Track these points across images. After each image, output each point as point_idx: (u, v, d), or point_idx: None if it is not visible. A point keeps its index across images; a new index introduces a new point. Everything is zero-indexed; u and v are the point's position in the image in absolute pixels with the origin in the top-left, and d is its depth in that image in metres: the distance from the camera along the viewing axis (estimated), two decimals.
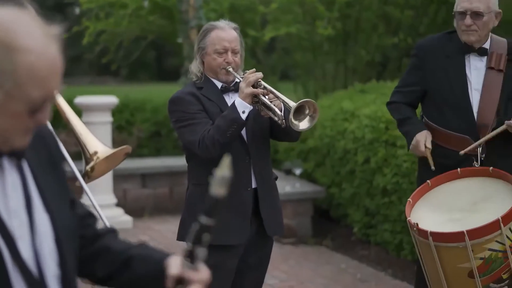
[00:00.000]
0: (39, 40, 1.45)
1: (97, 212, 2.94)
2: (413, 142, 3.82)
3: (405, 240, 5.56)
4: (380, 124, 5.87)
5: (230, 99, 3.47)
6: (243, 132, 3.41)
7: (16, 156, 1.56)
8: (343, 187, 6.40)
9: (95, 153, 2.99)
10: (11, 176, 1.56)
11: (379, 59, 9.42)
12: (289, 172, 7.04)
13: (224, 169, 1.50)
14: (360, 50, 8.98)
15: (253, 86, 3.33)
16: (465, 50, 3.84)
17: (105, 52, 10.86)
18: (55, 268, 1.60)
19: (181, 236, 3.48)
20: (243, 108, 3.29)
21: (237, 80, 3.47)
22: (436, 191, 3.73)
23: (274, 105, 3.32)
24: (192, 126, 3.37)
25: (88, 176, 2.99)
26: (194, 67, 3.51)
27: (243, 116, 3.28)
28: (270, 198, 3.51)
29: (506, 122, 3.71)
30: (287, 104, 3.27)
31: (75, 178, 2.99)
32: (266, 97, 3.34)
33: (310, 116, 3.30)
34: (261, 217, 3.46)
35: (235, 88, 3.45)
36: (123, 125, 8.59)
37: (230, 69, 3.44)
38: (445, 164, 3.76)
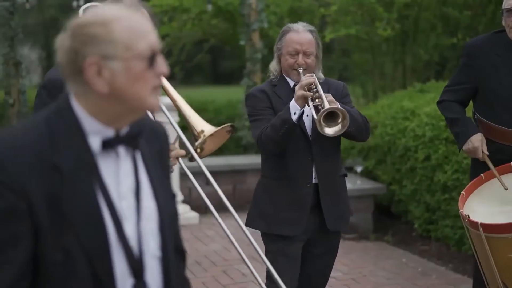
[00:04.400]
0: (123, 10, 1.64)
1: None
2: (469, 146, 3.95)
3: (466, 235, 5.62)
4: (441, 122, 5.96)
5: None
6: (309, 131, 3.55)
7: (131, 145, 1.73)
8: (403, 184, 6.51)
9: (202, 131, 3.22)
10: (125, 163, 1.73)
11: (437, 59, 9.47)
12: (350, 169, 7.16)
13: None
14: (418, 50, 9.06)
15: (308, 89, 3.47)
16: None
17: (166, 57, 11.17)
18: (156, 249, 1.75)
19: (248, 222, 3.67)
20: (294, 109, 3.43)
21: None
22: (489, 184, 3.84)
23: (322, 107, 3.42)
24: (257, 122, 3.58)
25: (197, 152, 3.23)
26: (272, 65, 3.70)
27: (294, 118, 3.42)
28: (333, 195, 3.63)
29: None
30: (324, 108, 3.37)
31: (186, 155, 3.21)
32: (316, 100, 3.46)
33: (341, 123, 3.40)
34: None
35: None
36: (186, 125, 8.80)
37: (300, 70, 3.58)
38: (498, 158, 3.89)
